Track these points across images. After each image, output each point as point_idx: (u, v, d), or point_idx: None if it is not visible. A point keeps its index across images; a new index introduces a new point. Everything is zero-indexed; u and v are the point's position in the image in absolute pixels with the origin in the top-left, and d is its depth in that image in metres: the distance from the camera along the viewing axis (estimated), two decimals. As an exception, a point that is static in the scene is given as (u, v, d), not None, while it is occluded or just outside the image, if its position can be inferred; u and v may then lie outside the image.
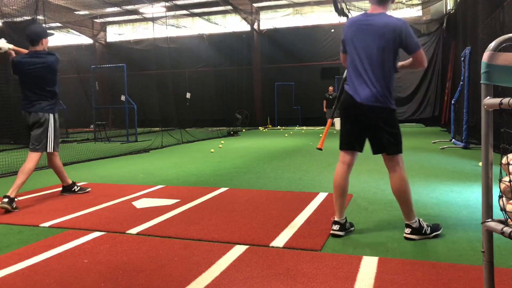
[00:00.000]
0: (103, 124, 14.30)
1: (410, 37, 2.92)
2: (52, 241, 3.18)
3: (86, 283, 2.39)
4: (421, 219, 3.08)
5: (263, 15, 20.60)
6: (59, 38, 20.42)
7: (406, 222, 3.06)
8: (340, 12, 14.63)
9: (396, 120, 3.06)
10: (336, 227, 3.14)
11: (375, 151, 3.11)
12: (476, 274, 2.39)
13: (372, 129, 3.05)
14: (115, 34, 22.54)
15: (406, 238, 3.03)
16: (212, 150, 9.60)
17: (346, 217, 3.21)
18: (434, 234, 3.05)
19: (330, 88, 17.47)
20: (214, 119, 20.20)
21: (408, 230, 3.04)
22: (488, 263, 1.64)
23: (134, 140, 12.46)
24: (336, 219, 3.16)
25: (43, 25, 8.94)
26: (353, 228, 3.27)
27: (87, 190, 4.99)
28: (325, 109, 16.72)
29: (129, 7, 18.01)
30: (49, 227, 3.58)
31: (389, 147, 3.02)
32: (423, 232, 3.02)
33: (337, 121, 16.75)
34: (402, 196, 3.02)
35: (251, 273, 2.48)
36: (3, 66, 9.23)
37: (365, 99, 2.97)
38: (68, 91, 17.57)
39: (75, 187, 4.93)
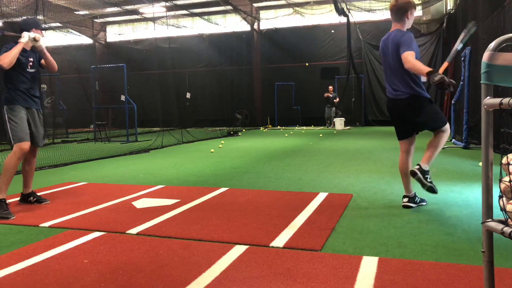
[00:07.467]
0: (103, 124, 14.29)
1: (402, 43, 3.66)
2: (52, 241, 3.18)
3: (86, 283, 2.39)
4: (415, 193, 3.95)
5: (263, 15, 20.59)
6: (59, 38, 20.41)
7: (404, 194, 3.96)
8: (340, 12, 14.65)
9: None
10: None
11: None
12: (476, 274, 2.39)
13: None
14: (115, 34, 22.52)
15: (404, 206, 3.88)
16: (212, 150, 9.60)
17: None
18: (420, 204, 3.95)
19: (330, 87, 17.72)
20: (214, 119, 20.17)
21: (405, 199, 3.90)
22: (488, 263, 1.64)
23: (134, 140, 12.45)
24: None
25: (43, 25, 8.90)
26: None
27: (46, 201, 4.49)
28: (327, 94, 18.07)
29: (129, 7, 18.00)
30: (49, 227, 3.58)
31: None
32: (416, 200, 3.92)
33: (337, 121, 16.82)
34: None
35: (251, 273, 2.48)
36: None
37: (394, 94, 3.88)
38: (68, 91, 17.61)
39: (32, 197, 4.45)
